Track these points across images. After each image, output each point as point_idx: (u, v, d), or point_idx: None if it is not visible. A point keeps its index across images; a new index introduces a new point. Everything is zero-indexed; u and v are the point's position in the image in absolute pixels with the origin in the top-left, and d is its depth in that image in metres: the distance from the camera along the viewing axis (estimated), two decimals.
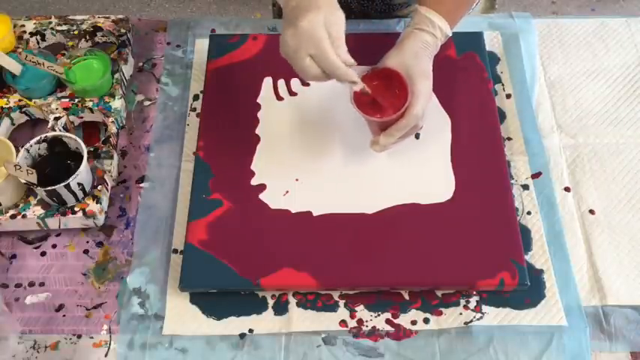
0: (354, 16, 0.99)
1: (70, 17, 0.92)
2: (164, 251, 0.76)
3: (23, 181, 0.73)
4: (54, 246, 0.77)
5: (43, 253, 0.77)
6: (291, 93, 0.85)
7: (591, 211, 0.78)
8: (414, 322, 0.71)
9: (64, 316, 0.73)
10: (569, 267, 0.74)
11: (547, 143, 0.84)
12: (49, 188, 0.72)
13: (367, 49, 0.88)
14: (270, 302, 0.72)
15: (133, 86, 0.90)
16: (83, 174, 0.74)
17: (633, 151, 0.83)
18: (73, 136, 0.77)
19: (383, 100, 0.72)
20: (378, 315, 0.71)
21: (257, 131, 0.82)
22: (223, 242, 0.73)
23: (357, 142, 0.81)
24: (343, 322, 0.71)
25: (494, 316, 0.71)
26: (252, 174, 0.78)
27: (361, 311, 0.72)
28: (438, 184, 0.77)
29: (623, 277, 0.74)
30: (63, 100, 0.84)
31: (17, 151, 0.76)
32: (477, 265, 0.72)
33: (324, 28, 0.65)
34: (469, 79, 0.85)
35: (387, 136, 0.72)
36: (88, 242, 0.77)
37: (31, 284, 0.75)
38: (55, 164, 0.77)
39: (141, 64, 0.92)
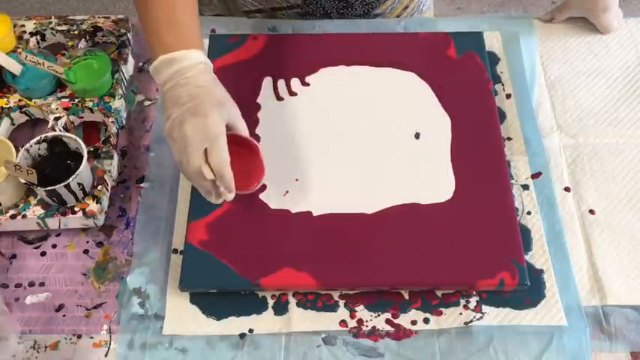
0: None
1: (70, 17, 0.92)
2: (164, 251, 0.76)
3: (23, 181, 0.73)
4: (54, 246, 0.77)
5: (43, 253, 0.77)
6: (291, 93, 0.85)
7: (591, 211, 0.78)
8: (414, 322, 0.71)
9: (64, 316, 0.73)
10: (569, 267, 0.74)
11: (547, 143, 0.84)
12: (49, 188, 0.72)
13: (368, 49, 0.89)
14: (270, 302, 0.72)
15: (133, 86, 0.90)
16: (83, 174, 0.74)
17: (633, 151, 0.83)
18: (73, 136, 0.77)
19: (236, 170, 0.65)
20: (378, 315, 0.71)
21: (257, 131, 0.82)
22: (223, 242, 0.73)
23: (357, 142, 0.81)
24: (343, 322, 0.71)
25: (495, 316, 0.71)
26: None
27: (361, 311, 0.72)
28: (438, 184, 0.77)
29: (623, 277, 0.74)
30: (63, 100, 0.84)
31: (17, 151, 0.76)
32: (477, 265, 0.71)
33: (224, 124, 0.65)
34: (469, 79, 0.85)
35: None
36: (88, 242, 0.77)
37: (31, 284, 0.75)
38: (55, 164, 0.77)
39: (141, 64, 0.92)
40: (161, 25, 0.68)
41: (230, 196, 0.66)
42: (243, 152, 0.67)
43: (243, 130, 0.68)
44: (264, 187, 0.77)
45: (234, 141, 0.66)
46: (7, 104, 0.84)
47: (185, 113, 0.64)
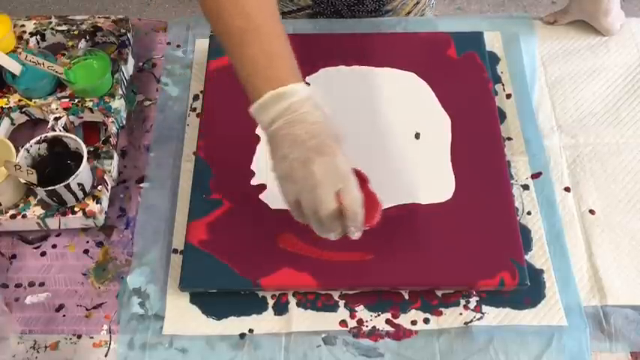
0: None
1: (70, 17, 0.92)
2: (164, 251, 0.76)
3: (23, 181, 0.73)
4: (54, 246, 0.77)
5: (43, 253, 0.77)
6: None
7: (591, 211, 0.78)
8: (414, 322, 0.71)
9: (64, 316, 0.73)
10: (569, 267, 0.74)
11: (547, 143, 0.84)
12: (49, 188, 0.72)
13: (368, 49, 0.89)
14: (270, 302, 0.72)
15: (133, 86, 0.90)
16: (83, 174, 0.74)
17: (633, 151, 0.83)
18: (73, 136, 0.77)
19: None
20: (378, 315, 0.71)
21: (257, 131, 0.82)
22: (223, 242, 0.73)
23: (356, 142, 0.81)
24: (343, 322, 0.71)
25: (494, 316, 0.71)
26: (252, 174, 0.78)
27: (361, 311, 0.72)
28: (438, 184, 0.77)
29: (623, 277, 0.74)
30: (63, 100, 0.84)
31: (17, 151, 0.76)
32: (477, 265, 0.71)
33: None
34: (469, 79, 0.85)
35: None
36: (88, 242, 0.77)
37: (31, 284, 0.75)
38: (55, 164, 0.77)
39: (141, 64, 0.92)
40: (261, 60, 0.63)
41: (358, 234, 0.63)
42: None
43: (353, 162, 0.64)
44: (264, 187, 0.77)
45: None
46: (7, 104, 0.84)
47: (309, 152, 0.60)
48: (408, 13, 1.00)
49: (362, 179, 0.64)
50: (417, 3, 1.00)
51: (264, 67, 0.63)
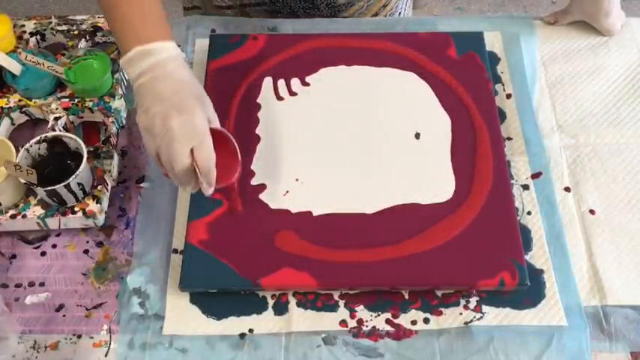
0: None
1: (70, 17, 0.92)
2: (164, 251, 0.76)
3: (23, 181, 0.73)
4: (54, 246, 0.77)
5: (43, 253, 0.77)
6: (291, 93, 0.85)
7: (591, 211, 0.78)
8: (414, 322, 0.71)
9: (64, 316, 0.73)
10: (569, 267, 0.74)
11: (547, 143, 0.84)
12: (49, 188, 0.72)
13: (368, 48, 0.89)
14: (270, 302, 0.72)
15: None
16: (83, 174, 0.74)
17: (634, 151, 0.83)
18: (73, 136, 0.77)
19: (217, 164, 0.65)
20: (378, 315, 0.71)
21: (257, 131, 0.82)
22: (223, 242, 0.73)
23: (357, 142, 0.81)
24: (343, 322, 0.71)
25: (494, 316, 0.71)
26: (252, 174, 0.78)
27: (361, 311, 0.72)
28: (438, 184, 0.77)
29: (623, 277, 0.74)
30: (63, 100, 0.84)
31: (17, 151, 0.76)
32: (477, 265, 0.71)
33: (207, 121, 0.65)
34: (469, 79, 0.85)
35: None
36: (88, 242, 0.77)
37: (31, 284, 0.75)
38: (55, 164, 0.77)
39: None
40: (133, 17, 0.67)
41: (210, 190, 0.66)
42: (218, 143, 0.65)
43: (217, 123, 0.67)
44: (264, 187, 0.77)
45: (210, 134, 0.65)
46: (7, 104, 0.84)
47: (169, 109, 0.63)
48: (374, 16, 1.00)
49: (223, 139, 0.67)
50: (376, 14, 1.00)
51: (136, 24, 0.67)
